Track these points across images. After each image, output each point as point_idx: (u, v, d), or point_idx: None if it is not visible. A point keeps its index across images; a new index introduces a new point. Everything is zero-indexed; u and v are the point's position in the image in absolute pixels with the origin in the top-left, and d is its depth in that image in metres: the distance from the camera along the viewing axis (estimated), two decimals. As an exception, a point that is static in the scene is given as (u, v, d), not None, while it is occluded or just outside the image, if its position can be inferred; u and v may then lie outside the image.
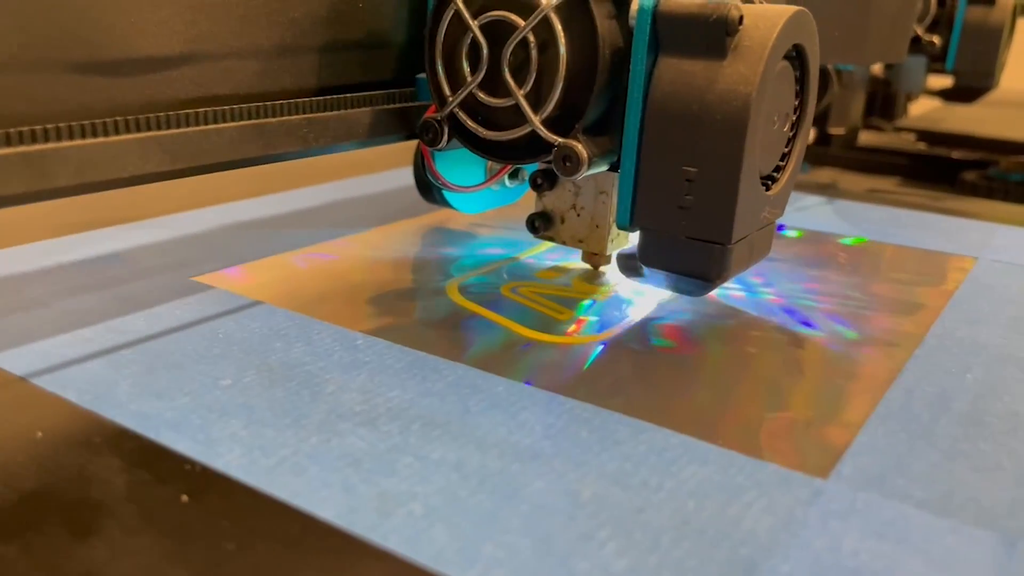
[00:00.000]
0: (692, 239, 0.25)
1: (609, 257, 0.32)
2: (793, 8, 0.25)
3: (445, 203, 0.35)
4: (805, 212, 0.47)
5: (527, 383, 0.24)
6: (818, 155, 0.65)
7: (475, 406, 0.23)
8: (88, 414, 0.21)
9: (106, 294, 0.29)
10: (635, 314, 0.30)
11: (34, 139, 0.20)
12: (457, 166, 0.32)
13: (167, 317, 0.27)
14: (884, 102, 0.70)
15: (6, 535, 0.17)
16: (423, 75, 0.30)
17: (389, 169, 0.52)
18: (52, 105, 0.21)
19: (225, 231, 0.38)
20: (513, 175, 0.35)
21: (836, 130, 0.66)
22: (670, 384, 0.25)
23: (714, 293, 0.32)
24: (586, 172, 0.25)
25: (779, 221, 0.43)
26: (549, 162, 0.26)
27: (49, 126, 0.20)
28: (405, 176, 0.47)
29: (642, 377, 0.25)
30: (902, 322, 0.30)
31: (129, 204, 0.40)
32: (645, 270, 0.27)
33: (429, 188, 0.35)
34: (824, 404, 0.24)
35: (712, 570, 0.17)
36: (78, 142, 0.21)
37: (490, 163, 0.34)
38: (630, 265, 0.28)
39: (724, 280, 0.26)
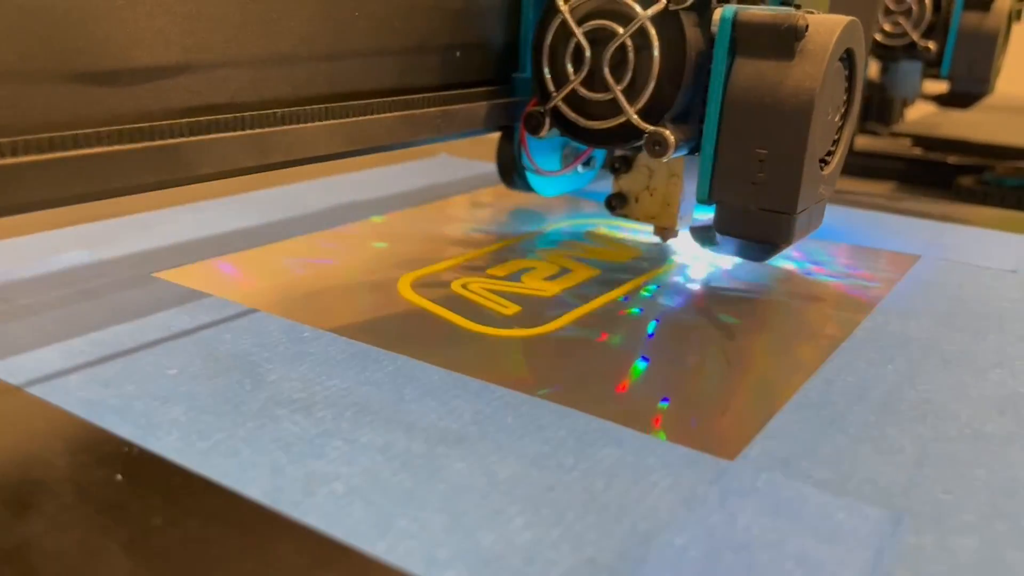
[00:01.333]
0: (763, 210, 0.30)
1: (677, 232, 0.37)
2: (847, 18, 0.29)
3: (526, 186, 0.39)
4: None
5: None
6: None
7: (409, 394, 0.23)
8: (37, 400, 0.22)
9: (67, 287, 0.30)
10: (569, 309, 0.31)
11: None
12: (538, 155, 0.37)
13: (124, 311, 0.28)
14: (880, 107, 0.69)
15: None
16: (518, 74, 0.35)
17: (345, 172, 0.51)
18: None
19: (185, 226, 0.38)
20: (586, 163, 0.40)
21: None
22: (605, 373, 0.26)
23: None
24: (672, 155, 0.30)
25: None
26: (637, 147, 0.31)
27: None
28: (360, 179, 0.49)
29: (578, 366, 0.26)
30: (838, 315, 0.31)
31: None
32: (718, 238, 0.32)
33: (511, 173, 0.39)
34: (747, 392, 0.25)
35: (610, 543, 0.17)
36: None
37: (566, 152, 0.39)
38: (705, 235, 0.33)
39: (790, 244, 0.30)
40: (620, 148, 0.32)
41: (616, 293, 0.32)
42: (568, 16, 0.31)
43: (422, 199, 0.45)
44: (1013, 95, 0.85)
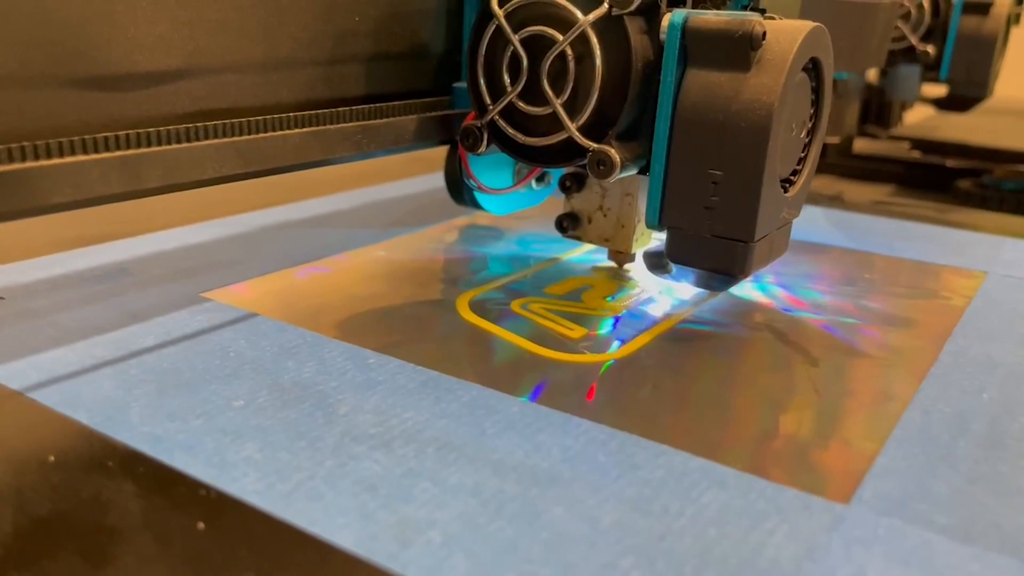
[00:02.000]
0: (717, 237, 0.27)
1: (634, 255, 0.34)
2: (811, 24, 0.26)
3: (475, 205, 0.37)
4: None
5: (532, 399, 0.24)
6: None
7: (491, 428, 0.22)
8: (100, 436, 0.21)
9: (112, 308, 0.29)
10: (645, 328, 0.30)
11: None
12: (487, 170, 0.34)
13: (176, 334, 0.27)
14: (879, 110, 0.71)
15: (21, 563, 0.17)
16: (460, 84, 0.32)
17: (391, 180, 0.52)
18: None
19: (230, 244, 0.37)
20: (540, 178, 0.37)
21: (831, 139, 0.66)
22: (682, 403, 0.25)
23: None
24: (618, 175, 0.27)
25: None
26: (582, 166, 0.28)
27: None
28: (409, 186, 0.49)
29: (656, 396, 0.25)
30: (912, 338, 0.30)
31: (131, 218, 0.39)
32: (672, 267, 0.29)
33: (460, 190, 0.37)
34: (841, 425, 0.24)
35: None
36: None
37: (518, 167, 0.36)
38: (657, 262, 0.30)
39: (747, 275, 0.28)
40: (563, 166, 0.29)
41: (688, 310, 0.32)
42: (503, 21, 0.28)
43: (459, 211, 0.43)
44: (1012, 98, 0.86)
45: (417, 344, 0.28)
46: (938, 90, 0.64)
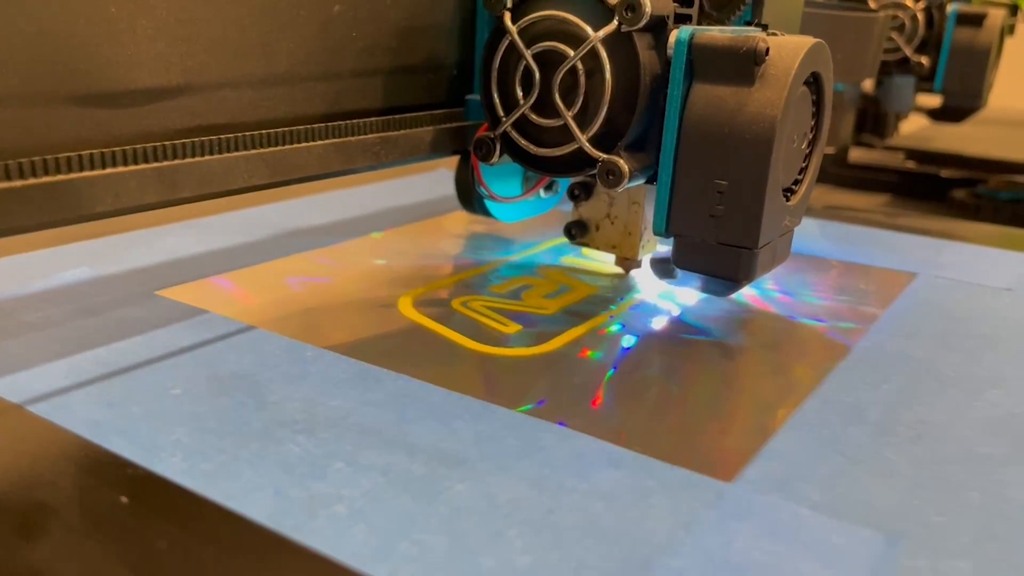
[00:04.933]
0: (722, 244, 0.28)
1: (640, 262, 0.35)
2: (812, 40, 0.28)
3: (485, 212, 0.38)
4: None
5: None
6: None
7: (411, 415, 0.24)
8: (41, 421, 0.22)
9: (73, 307, 0.30)
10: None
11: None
12: (497, 179, 0.35)
13: (127, 330, 0.28)
14: (875, 121, 0.71)
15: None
16: (472, 96, 0.33)
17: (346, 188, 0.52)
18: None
19: (189, 245, 0.38)
20: (548, 187, 0.38)
21: (826, 149, 0.66)
22: (606, 395, 0.26)
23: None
24: (627, 184, 0.28)
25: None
26: (591, 175, 0.29)
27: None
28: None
29: (579, 388, 0.26)
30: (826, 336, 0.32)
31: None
32: (677, 272, 0.30)
33: (471, 198, 0.38)
34: (745, 413, 0.26)
35: (610, 566, 0.18)
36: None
37: (527, 175, 0.37)
38: (664, 268, 0.31)
39: (751, 281, 0.29)
40: (573, 176, 0.31)
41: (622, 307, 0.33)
42: (516, 37, 0.29)
43: (420, 215, 0.45)
44: (1006, 109, 0.88)
45: (354, 339, 0.29)
46: (932, 101, 0.65)
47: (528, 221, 0.42)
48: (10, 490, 0.20)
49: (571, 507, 0.20)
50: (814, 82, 0.29)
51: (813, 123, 0.30)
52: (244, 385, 0.25)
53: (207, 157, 0.24)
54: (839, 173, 0.66)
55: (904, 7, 0.56)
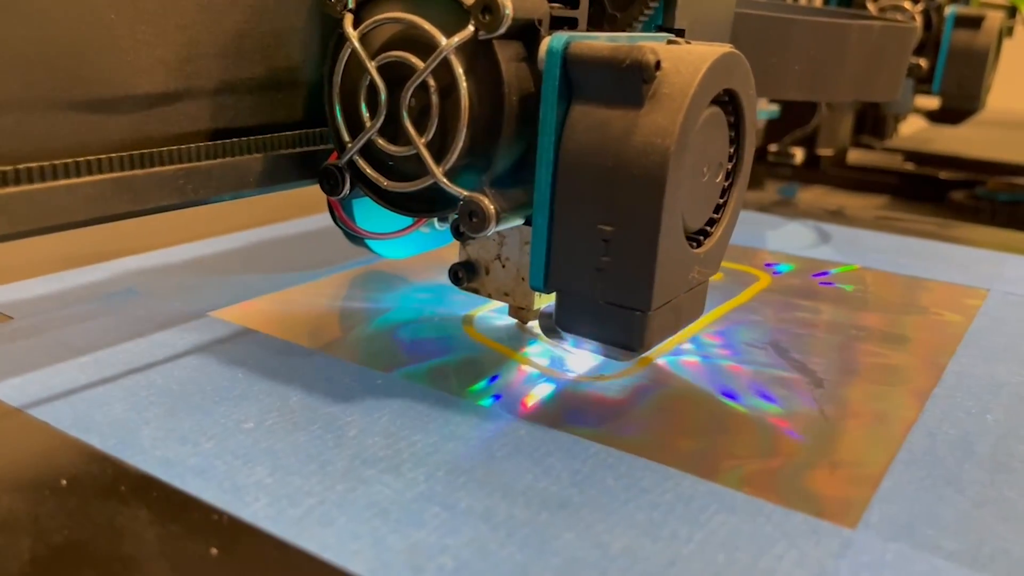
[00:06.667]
0: (610, 304, 0.22)
1: (537, 312, 0.29)
2: (721, 49, 0.22)
3: (368, 249, 0.33)
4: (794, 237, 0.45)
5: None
6: (808, 175, 0.66)
7: (499, 451, 0.22)
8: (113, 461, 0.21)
9: (120, 326, 0.29)
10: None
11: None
12: (371, 212, 0.30)
13: (186, 356, 0.27)
14: (874, 122, 0.71)
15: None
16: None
17: None
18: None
19: (237, 263, 0.38)
20: (443, 217, 0.32)
21: (825, 151, 0.67)
22: (677, 426, 0.25)
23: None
24: (494, 229, 0.23)
25: (772, 260, 0.40)
26: (453, 216, 0.23)
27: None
28: None
29: (664, 419, 0.25)
30: (913, 359, 0.30)
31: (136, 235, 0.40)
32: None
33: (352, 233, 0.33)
34: (845, 448, 0.24)
35: None
36: None
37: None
38: (552, 326, 0.25)
39: (647, 349, 0.23)
40: (434, 216, 0.25)
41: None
42: (357, 45, 0.23)
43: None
44: (1004, 110, 0.88)
45: (420, 362, 0.28)
46: (931, 102, 0.65)
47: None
48: (94, 544, 0.18)
49: (691, 558, 0.19)
50: (730, 102, 0.23)
51: (732, 151, 0.24)
52: (319, 418, 0.24)
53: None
54: (838, 174, 0.66)
55: (903, 9, 0.56)
